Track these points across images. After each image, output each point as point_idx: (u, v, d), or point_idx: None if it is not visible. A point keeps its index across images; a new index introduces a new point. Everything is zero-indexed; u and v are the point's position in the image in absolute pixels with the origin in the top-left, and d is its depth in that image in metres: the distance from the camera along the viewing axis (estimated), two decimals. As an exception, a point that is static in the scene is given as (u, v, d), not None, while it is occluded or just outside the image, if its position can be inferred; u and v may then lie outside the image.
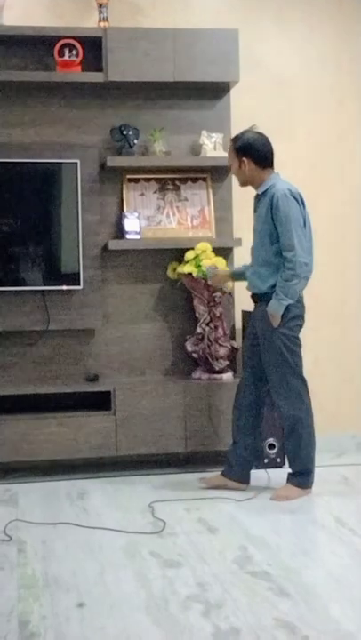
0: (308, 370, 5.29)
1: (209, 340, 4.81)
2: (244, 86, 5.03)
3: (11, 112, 4.87)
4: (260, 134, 4.27)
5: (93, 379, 4.87)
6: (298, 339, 4.20)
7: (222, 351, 4.82)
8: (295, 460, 4.24)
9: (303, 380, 4.24)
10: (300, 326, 4.23)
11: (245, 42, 4.97)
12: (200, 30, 4.92)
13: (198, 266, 4.74)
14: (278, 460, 4.79)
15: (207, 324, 4.84)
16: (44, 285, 4.83)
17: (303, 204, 4.18)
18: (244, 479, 4.32)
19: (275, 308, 4.10)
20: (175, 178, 5.04)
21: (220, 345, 4.81)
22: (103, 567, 3.28)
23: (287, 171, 5.24)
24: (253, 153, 4.20)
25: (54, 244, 4.90)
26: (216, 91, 5.02)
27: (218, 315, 4.84)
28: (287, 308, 4.11)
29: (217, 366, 4.81)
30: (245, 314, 4.79)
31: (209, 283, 4.67)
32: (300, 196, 4.17)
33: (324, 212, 5.34)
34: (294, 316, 4.16)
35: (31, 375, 4.90)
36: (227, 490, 4.28)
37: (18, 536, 3.64)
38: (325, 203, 5.34)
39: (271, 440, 4.76)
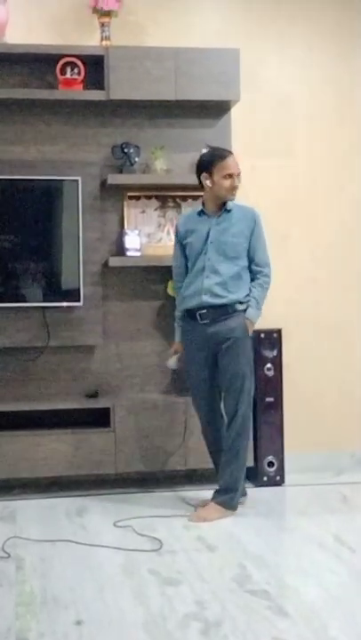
0: (307, 387, 5.31)
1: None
2: (245, 105, 5.06)
3: (12, 129, 4.89)
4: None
5: (93, 395, 4.87)
6: None
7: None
8: (227, 473, 4.19)
9: None
10: None
11: (246, 61, 5.01)
12: (202, 49, 4.95)
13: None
14: (278, 477, 4.78)
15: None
16: (45, 302, 4.84)
17: None
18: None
19: (256, 317, 4.24)
20: (176, 195, 5.07)
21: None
22: (102, 585, 3.27)
23: (287, 188, 5.30)
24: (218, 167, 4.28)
25: (55, 261, 4.91)
26: (217, 109, 5.05)
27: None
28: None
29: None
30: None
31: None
32: None
33: (323, 231, 5.37)
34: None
35: (31, 391, 4.90)
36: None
37: (16, 553, 3.63)
38: (325, 221, 5.37)
39: (270, 458, 4.75)
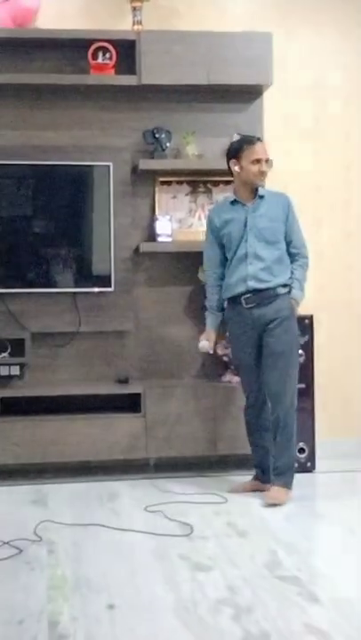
0: (339, 373, 5.28)
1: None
2: (277, 89, 5.02)
3: (45, 115, 4.90)
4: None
5: (124, 381, 4.88)
6: None
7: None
8: (283, 455, 4.20)
9: None
10: None
11: (279, 45, 4.96)
12: (234, 33, 4.92)
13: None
14: (309, 464, 4.76)
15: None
16: (76, 287, 4.86)
17: None
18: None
19: (300, 297, 4.30)
20: (207, 181, 5.05)
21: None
22: (133, 569, 3.29)
23: (320, 173, 5.25)
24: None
25: (86, 247, 4.92)
26: (249, 94, 5.01)
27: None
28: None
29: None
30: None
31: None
32: None
33: (357, 216, 5.33)
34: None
35: (62, 376, 4.93)
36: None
37: (48, 537, 3.66)
38: (359, 206, 5.33)
39: (301, 444, 4.73)
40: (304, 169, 5.19)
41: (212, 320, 4.44)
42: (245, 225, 4.25)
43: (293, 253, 4.32)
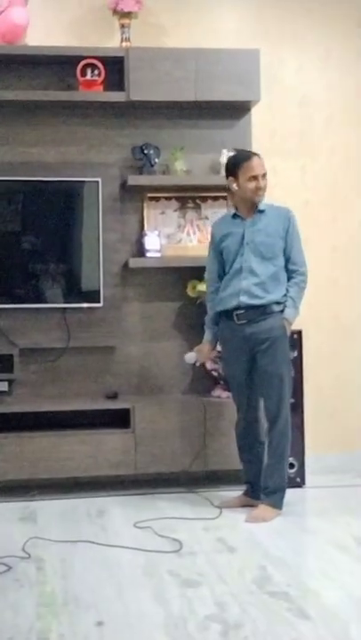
0: (328, 388, 5.29)
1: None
2: (265, 106, 5.06)
3: (33, 131, 4.91)
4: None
5: (113, 396, 4.88)
6: None
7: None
8: (274, 475, 4.20)
9: None
10: None
11: (266, 62, 5.00)
12: (221, 50, 4.95)
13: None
14: (298, 479, 4.76)
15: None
16: (65, 303, 4.86)
17: None
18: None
19: (293, 316, 4.24)
20: (196, 196, 5.07)
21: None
22: (122, 586, 3.27)
23: (307, 190, 5.28)
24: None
25: (75, 262, 4.92)
26: (237, 110, 5.04)
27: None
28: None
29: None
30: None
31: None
32: None
33: (343, 232, 5.36)
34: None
35: (51, 392, 4.92)
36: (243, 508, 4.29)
37: (37, 553, 3.64)
38: (345, 222, 5.35)
39: (291, 459, 4.72)
40: (291, 185, 5.22)
41: (207, 333, 4.44)
42: (243, 239, 4.24)
43: (291, 270, 4.26)
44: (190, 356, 4.53)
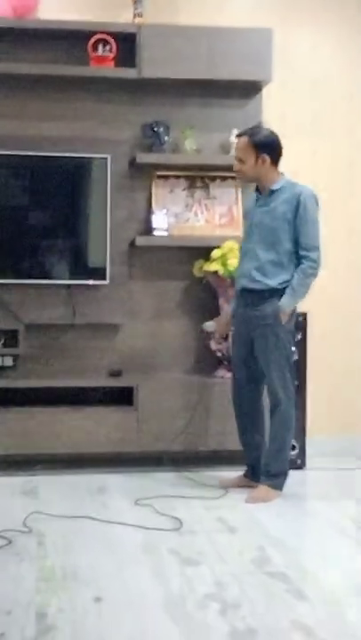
0: (331, 371, 5.30)
1: (233, 338, 4.80)
2: (277, 86, 5.02)
3: (43, 106, 4.89)
4: (274, 132, 4.25)
5: (117, 374, 4.88)
6: (294, 335, 4.33)
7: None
8: (276, 459, 4.20)
9: (294, 378, 4.30)
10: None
11: (279, 41, 4.96)
12: (234, 29, 4.91)
13: (225, 264, 4.74)
14: (299, 461, 4.77)
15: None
16: (71, 279, 4.86)
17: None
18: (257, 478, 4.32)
19: (288, 304, 4.10)
20: (204, 176, 5.05)
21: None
22: (121, 562, 3.29)
23: (318, 171, 5.26)
24: (273, 150, 4.17)
25: (82, 239, 4.92)
26: (248, 90, 5.01)
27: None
28: None
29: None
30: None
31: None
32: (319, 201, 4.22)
33: (357, 214, 5.34)
34: (295, 313, 4.23)
35: (55, 368, 4.93)
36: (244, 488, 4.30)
37: (37, 528, 3.66)
38: (358, 204, 5.33)
39: (292, 441, 4.74)
40: (302, 166, 5.19)
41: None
42: (253, 219, 4.22)
43: (301, 256, 4.08)
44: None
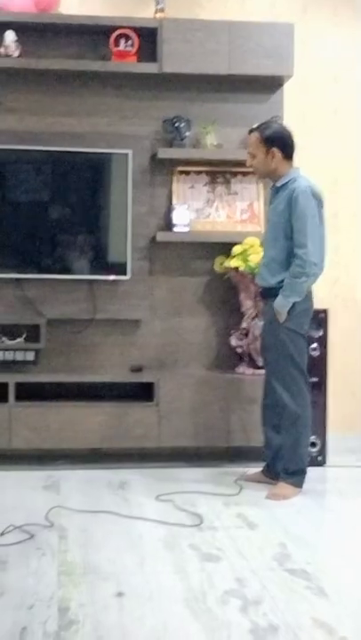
0: (352, 368, 5.28)
1: (254, 335, 4.80)
2: (298, 81, 5.00)
3: (64, 101, 4.90)
4: (287, 127, 4.24)
5: (137, 369, 4.89)
6: (303, 335, 4.17)
7: (260, 346, 4.79)
8: (292, 458, 4.18)
9: (306, 378, 4.21)
10: (307, 322, 4.19)
11: (301, 36, 4.94)
12: (255, 23, 4.89)
13: (246, 260, 4.74)
14: (320, 458, 4.76)
15: (253, 319, 4.83)
16: (92, 275, 4.87)
17: (322, 204, 4.11)
18: (276, 475, 4.30)
19: (281, 305, 4.07)
20: (226, 171, 5.03)
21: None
22: (142, 558, 3.31)
23: (338, 167, 5.24)
24: (284, 144, 4.14)
25: (103, 234, 4.93)
26: (270, 85, 4.99)
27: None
28: (295, 304, 4.08)
29: (260, 362, 4.80)
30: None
31: None
32: (320, 196, 4.10)
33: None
34: (301, 311, 4.12)
35: (76, 363, 4.95)
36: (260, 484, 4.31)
37: (59, 522, 3.68)
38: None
39: (313, 438, 4.73)
40: (322, 162, 5.17)
41: None
42: (268, 216, 4.25)
43: (294, 254, 4.02)
44: None
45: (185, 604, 2.85)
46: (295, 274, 4.02)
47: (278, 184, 4.17)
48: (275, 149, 4.13)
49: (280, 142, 4.13)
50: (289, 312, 4.08)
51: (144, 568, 3.20)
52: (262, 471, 4.38)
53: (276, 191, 4.19)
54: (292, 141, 4.17)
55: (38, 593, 2.92)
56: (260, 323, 4.68)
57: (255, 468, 4.49)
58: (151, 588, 3.00)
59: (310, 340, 4.62)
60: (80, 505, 3.95)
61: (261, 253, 4.67)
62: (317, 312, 4.71)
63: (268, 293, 4.17)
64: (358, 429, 5.21)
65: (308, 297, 4.15)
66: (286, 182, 4.13)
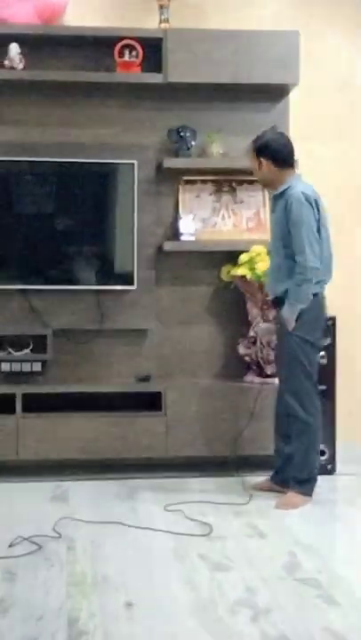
0: (354, 378, 5.26)
1: (261, 343, 4.79)
2: (304, 89, 5.00)
3: (70, 112, 4.90)
4: (281, 134, 4.28)
5: (145, 379, 4.88)
6: (313, 343, 4.14)
7: (274, 355, 4.78)
8: (302, 466, 4.16)
9: (316, 386, 4.20)
10: (318, 329, 4.17)
11: (306, 44, 4.94)
12: (260, 32, 4.90)
13: (253, 269, 4.73)
14: (329, 466, 4.73)
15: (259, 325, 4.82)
16: (99, 285, 4.86)
17: (318, 208, 4.09)
18: (285, 484, 4.27)
19: (288, 313, 4.08)
20: (231, 180, 5.03)
21: (273, 349, 4.78)
22: (152, 568, 3.29)
23: (344, 175, 5.23)
24: (271, 153, 4.16)
25: (109, 244, 4.93)
26: (275, 93, 4.99)
27: (271, 318, 4.81)
28: (303, 311, 4.07)
29: (269, 370, 4.78)
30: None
31: None
32: (316, 201, 4.09)
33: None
34: (310, 319, 4.10)
35: (84, 374, 4.94)
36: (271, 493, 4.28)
37: (67, 533, 3.66)
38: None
39: (322, 446, 4.70)
40: (328, 170, 5.16)
41: None
42: None
43: (295, 261, 4.05)
44: None
45: (195, 614, 2.83)
46: (297, 281, 4.03)
47: (276, 192, 4.19)
48: (263, 159, 4.18)
49: (269, 152, 4.17)
50: (298, 320, 4.07)
51: (153, 578, 3.18)
52: (271, 478, 4.35)
53: (275, 200, 4.21)
54: (285, 149, 4.18)
55: (48, 604, 2.90)
56: (262, 325, 4.70)
57: (263, 477, 4.46)
58: (161, 598, 2.99)
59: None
60: (88, 516, 3.93)
61: (268, 262, 4.68)
62: (315, 320, 4.68)
63: (277, 302, 4.19)
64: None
65: (318, 304, 4.13)
66: (283, 190, 4.14)
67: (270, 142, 4.19)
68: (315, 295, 4.09)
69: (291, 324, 4.08)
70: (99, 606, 2.89)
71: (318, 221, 4.09)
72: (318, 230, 4.09)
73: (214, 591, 3.03)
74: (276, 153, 4.16)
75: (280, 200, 4.14)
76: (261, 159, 4.17)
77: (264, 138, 4.24)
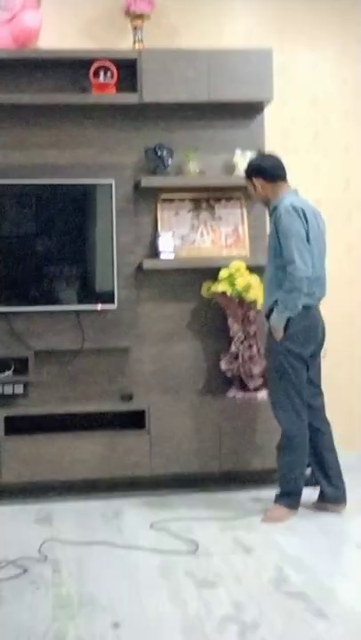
0: (345, 388, 5.27)
1: (243, 358, 4.80)
2: (278, 105, 5.05)
3: (47, 134, 4.92)
4: (266, 154, 4.43)
5: (128, 397, 4.87)
6: (299, 355, 4.14)
7: (257, 369, 4.79)
8: (287, 479, 4.17)
9: (302, 398, 4.19)
10: (307, 342, 4.16)
11: (279, 61, 4.99)
12: (233, 50, 4.94)
13: (232, 284, 4.74)
14: (315, 478, 4.72)
15: (241, 343, 4.83)
16: (79, 305, 4.86)
17: (307, 219, 4.12)
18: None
19: (276, 321, 4.11)
20: (209, 197, 5.06)
21: (255, 363, 4.79)
22: (138, 587, 3.27)
23: (320, 189, 5.27)
24: (260, 171, 4.26)
25: (89, 264, 4.93)
26: (250, 110, 5.03)
27: (252, 333, 4.83)
28: (292, 322, 4.09)
29: (251, 385, 4.79)
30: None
31: None
32: (304, 212, 4.12)
33: (358, 231, 5.34)
34: (298, 330, 4.12)
35: (66, 394, 4.93)
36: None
37: (53, 555, 3.64)
38: (360, 220, 5.34)
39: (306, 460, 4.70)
40: (305, 184, 5.19)
41: None
42: None
43: (286, 271, 4.09)
44: None
45: (183, 633, 2.81)
46: (286, 289, 4.05)
47: (270, 207, 4.26)
48: (255, 180, 4.28)
49: (257, 171, 4.27)
50: (285, 330, 4.09)
51: (140, 597, 3.17)
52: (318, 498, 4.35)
53: (271, 215, 4.27)
54: (270, 163, 4.27)
55: (34, 628, 2.88)
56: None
57: (247, 493, 4.46)
58: (148, 617, 2.97)
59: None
60: (74, 537, 3.91)
61: (247, 277, 4.71)
62: (306, 331, 4.70)
63: (267, 313, 4.21)
64: (355, 448, 5.19)
65: (307, 316, 4.14)
66: (276, 204, 4.20)
67: (256, 162, 4.33)
68: (306, 308, 4.10)
69: (278, 334, 4.10)
70: (86, 628, 2.88)
71: (307, 232, 4.11)
72: (308, 241, 4.11)
73: (201, 608, 3.02)
74: (264, 169, 4.25)
75: (273, 214, 4.21)
76: (254, 180, 4.27)
77: (250, 161, 4.39)
